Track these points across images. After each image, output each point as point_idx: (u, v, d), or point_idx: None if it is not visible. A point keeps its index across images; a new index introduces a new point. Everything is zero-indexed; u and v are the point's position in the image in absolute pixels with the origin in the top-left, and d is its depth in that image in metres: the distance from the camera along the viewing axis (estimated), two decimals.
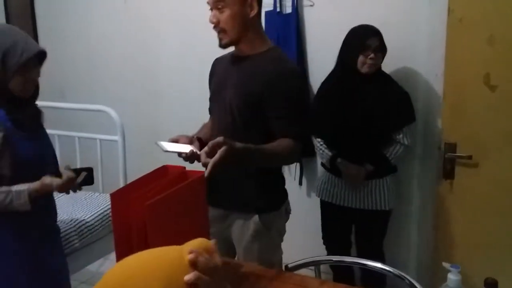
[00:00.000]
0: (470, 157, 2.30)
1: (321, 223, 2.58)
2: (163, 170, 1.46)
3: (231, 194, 1.73)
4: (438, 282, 1.25)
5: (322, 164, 2.58)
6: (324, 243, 2.58)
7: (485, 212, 2.33)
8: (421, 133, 2.57)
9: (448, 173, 2.37)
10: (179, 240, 1.33)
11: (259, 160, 1.56)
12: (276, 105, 1.60)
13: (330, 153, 2.42)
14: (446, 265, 1.19)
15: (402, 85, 2.43)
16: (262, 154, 1.54)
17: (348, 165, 2.39)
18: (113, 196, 1.24)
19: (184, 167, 1.46)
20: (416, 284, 1.54)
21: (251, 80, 1.64)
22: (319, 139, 2.48)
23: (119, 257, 1.28)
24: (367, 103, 2.36)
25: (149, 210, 1.18)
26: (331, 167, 2.44)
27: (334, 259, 1.75)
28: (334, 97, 2.42)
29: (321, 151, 2.48)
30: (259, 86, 1.61)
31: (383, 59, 2.35)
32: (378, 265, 1.68)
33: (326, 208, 2.53)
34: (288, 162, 1.96)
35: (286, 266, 1.82)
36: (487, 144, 2.29)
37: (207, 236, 1.47)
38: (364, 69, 2.31)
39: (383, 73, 2.42)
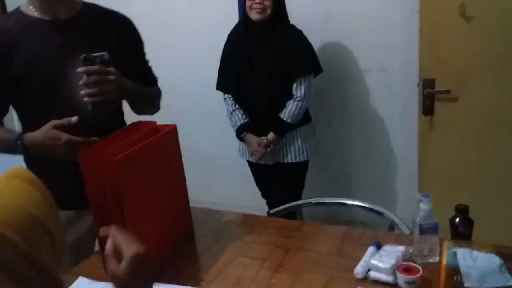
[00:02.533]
0: (448, 91, 2.30)
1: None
2: (135, 126, 1.44)
3: None
4: None
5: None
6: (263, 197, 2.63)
7: (465, 145, 2.36)
8: (400, 71, 2.55)
9: (428, 109, 2.37)
10: (155, 195, 1.35)
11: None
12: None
13: (237, 117, 2.39)
14: (417, 195, 1.21)
15: (377, 22, 2.39)
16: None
17: (250, 140, 2.36)
18: (82, 155, 1.23)
19: (155, 122, 1.45)
20: (395, 219, 1.58)
21: None
22: (227, 94, 2.43)
23: (95, 217, 1.29)
24: (264, 54, 2.28)
25: (119, 164, 1.17)
26: (237, 136, 2.44)
27: (313, 202, 1.79)
28: (234, 49, 2.37)
29: (229, 111, 2.44)
30: None
31: (277, 4, 2.23)
32: (357, 203, 1.71)
33: (252, 167, 2.54)
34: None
35: (268, 213, 1.85)
36: (465, 77, 2.28)
37: (184, 188, 1.48)
38: (253, 15, 2.22)
39: (284, 21, 2.30)
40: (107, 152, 1.22)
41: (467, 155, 2.37)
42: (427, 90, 2.33)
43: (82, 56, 1.29)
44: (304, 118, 2.38)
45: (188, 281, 1.26)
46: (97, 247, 1.44)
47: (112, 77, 1.32)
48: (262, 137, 2.33)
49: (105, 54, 1.31)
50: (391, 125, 2.63)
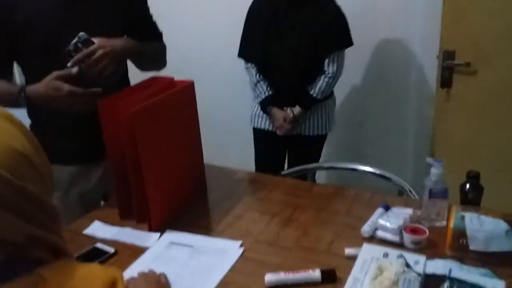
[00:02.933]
0: (468, 64, 2.27)
1: (254, 155, 2.47)
2: (152, 81, 1.46)
3: None
4: None
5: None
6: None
7: (481, 119, 2.34)
8: (418, 43, 2.51)
9: (446, 82, 2.35)
10: (170, 147, 1.38)
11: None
12: None
13: (261, 89, 2.24)
14: (429, 160, 1.22)
15: None
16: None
17: (276, 115, 2.23)
18: (102, 104, 1.26)
19: (173, 78, 1.46)
20: (404, 185, 1.60)
21: None
22: (250, 64, 2.27)
23: (111, 166, 1.32)
24: (293, 25, 2.13)
25: (135, 116, 1.20)
26: (262, 109, 2.30)
27: (325, 166, 1.81)
28: (259, 16, 2.20)
29: (252, 82, 2.28)
30: None
31: None
32: (368, 169, 1.73)
33: (259, 136, 2.40)
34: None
35: (280, 174, 1.88)
36: (486, 50, 2.24)
37: (199, 144, 1.51)
38: None
39: None
40: (125, 104, 1.24)
41: (482, 129, 2.36)
42: (446, 62, 2.30)
43: (65, 51, 1.29)
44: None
45: (199, 230, 1.30)
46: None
47: (100, 52, 1.29)
48: (288, 111, 2.23)
49: (80, 35, 1.29)
50: (406, 96, 2.61)
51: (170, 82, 1.44)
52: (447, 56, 2.30)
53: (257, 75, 2.24)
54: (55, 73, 1.31)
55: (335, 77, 2.20)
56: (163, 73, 1.59)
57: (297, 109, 2.21)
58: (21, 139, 0.67)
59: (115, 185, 1.35)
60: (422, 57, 2.52)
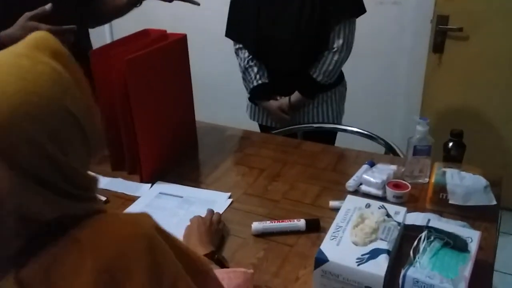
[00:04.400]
0: (461, 30, 2.28)
1: None
2: (145, 33, 1.46)
3: None
4: None
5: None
6: None
7: (471, 84, 2.37)
8: (413, 7, 2.50)
9: (438, 47, 2.36)
10: (162, 99, 1.39)
11: None
12: None
13: (249, 77, 1.85)
14: (415, 118, 1.24)
15: None
16: None
17: (269, 109, 1.86)
18: (94, 53, 1.26)
19: (165, 30, 1.46)
20: (391, 143, 1.63)
21: None
22: (240, 44, 1.87)
23: (101, 113, 1.34)
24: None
25: (128, 65, 1.20)
26: (250, 100, 1.94)
27: (315, 125, 1.82)
28: None
29: (241, 67, 1.87)
30: None
31: None
32: (356, 129, 1.76)
33: (264, 132, 1.94)
34: None
35: (265, 131, 1.90)
36: (478, 16, 2.25)
37: (190, 98, 1.52)
38: None
39: None
40: (117, 53, 1.24)
41: (470, 93, 2.40)
42: (439, 26, 2.31)
43: None
44: (339, 76, 1.86)
45: (189, 183, 1.34)
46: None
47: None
48: (283, 99, 1.84)
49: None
50: (399, 59, 2.61)
51: (163, 35, 1.44)
52: (440, 20, 2.31)
53: (247, 60, 1.84)
54: (28, 14, 1.25)
55: (341, 51, 1.75)
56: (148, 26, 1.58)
57: (295, 96, 1.81)
58: (72, 90, 0.56)
59: (107, 137, 1.37)
60: (416, 21, 2.51)
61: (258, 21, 1.77)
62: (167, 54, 1.37)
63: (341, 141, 1.92)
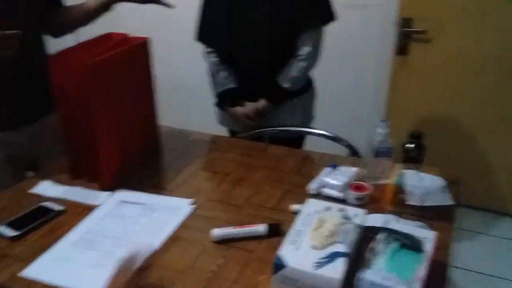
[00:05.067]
0: (425, 32, 2.32)
1: None
2: (107, 37, 1.43)
3: None
4: None
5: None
6: None
7: (433, 84, 2.42)
8: (379, 10, 2.53)
9: (403, 49, 2.40)
10: (124, 105, 1.36)
11: None
12: None
13: (218, 81, 1.85)
14: (376, 120, 1.25)
15: None
16: None
17: (235, 114, 1.85)
18: (52, 58, 1.22)
19: (128, 34, 1.43)
20: (354, 147, 1.64)
21: None
22: (210, 48, 1.87)
23: (60, 119, 1.30)
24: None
25: (88, 70, 1.17)
26: (218, 105, 1.94)
27: (281, 129, 1.82)
28: None
29: (211, 71, 1.87)
30: None
31: None
32: (322, 132, 1.76)
33: (233, 137, 1.95)
34: None
35: (235, 136, 1.89)
36: (442, 18, 2.30)
37: (153, 102, 1.50)
38: None
39: None
40: (78, 58, 1.21)
41: (434, 95, 2.45)
42: (404, 29, 2.35)
43: None
44: (306, 83, 1.87)
45: (151, 189, 1.31)
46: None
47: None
48: (249, 105, 1.83)
49: None
50: (364, 62, 2.64)
51: (125, 38, 1.41)
52: (405, 23, 2.35)
53: (217, 63, 1.83)
54: None
55: (310, 60, 1.75)
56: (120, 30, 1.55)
57: (261, 102, 1.80)
58: None
59: (65, 144, 1.34)
60: (382, 24, 2.55)
61: (229, 25, 1.77)
62: (129, 58, 1.35)
63: (309, 146, 1.93)
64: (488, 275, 2.19)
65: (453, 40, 2.31)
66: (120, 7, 1.58)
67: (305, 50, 1.74)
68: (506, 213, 2.59)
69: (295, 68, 1.76)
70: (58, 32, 1.65)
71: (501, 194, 2.56)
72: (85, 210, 1.23)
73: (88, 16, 1.59)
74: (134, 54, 1.38)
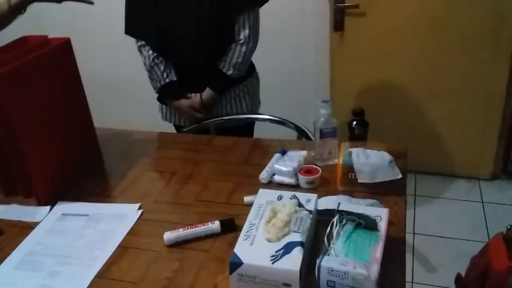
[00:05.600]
0: (357, 6, 2.34)
1: None
2: (23, 40, 1.32)
3: None
4: None
5: None
6: None
7: (372, 57, 2.46)
8: None
9: (338, 25, 2.41)
10: (51, 113, 1.26)
11: None
12: None
13: (156, 75, 1.75)
14: (317, 101, 1.24)
15: None
16: None
17: (179, 107, 1.79)
18: None
19: (47, 36, 1.33)
20: (302, 127, 1.63)
21: None
22: (141, 42, 1.77)
23: None
24: None
25: (3, 79, 1.07)
26: (159, 100, 1.88)
27: (225, 118, 1.78)
28: None
29: (146, 65, 1.77)
30: None
31: None
32: (267, 116, 1.74)
33: (180, 131, 1.87)
34: None
35: (180, 131, 1.83)
36: None
37: (85, 106, 1.41)
38: None
39: None
40: None
41: (373, 67, 2.49)
42: (337, 5, 2.35)
43: None
44: (249, 67, 1.81)
45: (96, 198, 1.24)
46: None
47: None
48: (193, 97, 1.76)
49: None
50: (304, 42, 2.63)
51: (43, 41, 1.31)
52: None
53: (151, 57, 1.74)
54: None
55: (248, 42, 1.70)
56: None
57: (206, 93, 1.74)
58: None
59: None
60: (315, 1, 2.54)
61: (158, 15, 1.68)
62: (49, 62, 1.25)
63: (258, 133, 1.90)
64: (446, 237, 2.27)
65: (385, 12, 2.34)
66: (37, 8, 1.46)
67: (245, 33, 1.69)
68: (456, 175, 2.68)
69: (237, 54, 1.70)
70: None
71: (450, 157, 2.65)
72: (24, 229, 1.15)
73: (1, 20, 1.46)
74: (55, 56, 1.28)
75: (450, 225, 2.33)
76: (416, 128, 2.57)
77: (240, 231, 1.02)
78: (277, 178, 1.22)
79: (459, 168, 2.67)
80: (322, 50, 2.55)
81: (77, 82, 1.36)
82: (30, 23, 1.65)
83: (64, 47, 1.31)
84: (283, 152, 1.31)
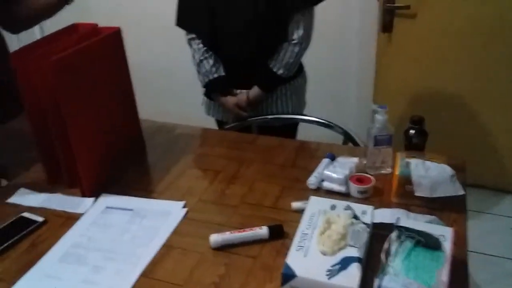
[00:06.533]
0: (408, 7, 2.25)
1: None
2: (73, 28, 1.30)
3: None
4: None
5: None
6: None
7: (422, 61, 2.36)
8: None
9: (387, 26, 2.32)
10: (98, 103, 1.25)
11: None
12: None
13: (205, 69, 1.72)
14: (373, 106, 1.18)
15: None
16: None
17: (225, 104, 1.75)
18: (15, 55, 1.10)
19: (96, 24, 1.31)
20: (350, 132, 1.58)
21: None
22: (192, 35, 1.74)
23: (30, 122, 1.19)
24: None
25: (55, 67, 1.06)
26: (206, 95, 1.85)
27: (269, 117, 1.73)
28: None
29: (195, 59, 1.74)
30: None
31: None
32: (314, 118, 1.69)
33: (222, 127, 1.87)
34: None
35: (222, 127, 1.80)
36: None
37: (132, 97, 1.39)
38: None
39: None
40: (42, 54, 1.09)
41: (423, 73, 2.39)
42: (387, 5, 2.27)
43: None
44: (298, 67, 1.76)
45: (140, 192, 1.22)
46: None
47: None
48: (240, 94, 1.73)
49: None
50: (348, 41, 2.56)
51: (94, 29, 1.29)
52: None
53: (201, 51, 1.71)
54: None
55: (303, 43, 1.66)
56: (90, 20, 1.43)
57: (254, 90, 1.71)
58: None
59: (38, 148, 1.22)
60: (363, 0, 2.46)
61: (210, 9, 1.65)
62: (99, 52, 1.23)
63: (300, 133, 1.85)
64: (490, 255, 2.15)
65: (438, 14, 2.24)
66: None
67: (299, 33, 1.64)
68: (502, 190, 2.54)
69: (289, 54, 1.66)
70: (16, 27, 1.51)
71: (505, 172, 2.52)
72: (67, 220, 1.14)
73: (49, 8, 1.45)
74: (105, 46, 1.26)
75: (497, 243, 2.22)
76: (466, 138, 2.45)
77: (288, 238, 0.99)
78: (326, 184, 1.17)
79: (508, 183, 2.53)
80: (367, 51, 2.48)
81: (125, 73, 1.34)
82: (77, 11, 1.64)
83: (114, 37, 1.29)
84: (332, 157, 1.26)
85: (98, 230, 1.10)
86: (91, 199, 1.20)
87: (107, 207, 1.18)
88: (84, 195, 1.21)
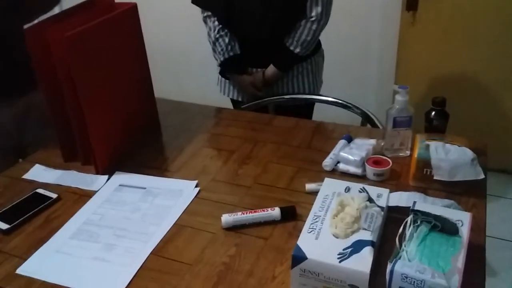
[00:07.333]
0: None
1: None
2: (90, 3, 1.29)
3: None
4: None
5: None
6: None
7: (447, 41, 2.28)
8: None
9: (411, 4, 2.25)
10: (114, 79, 1.24)
11: None
12: None
13: (220, 48, 1.68)
14: (394, 87, 1.14)
15: None
16: None
17: (241, 83, 1.73)
18: (28, 30, 1.10)
19: (113, 0, 1.29)
20: (368, 113, 1.54)
21: None
22: (208, 12, 1.71)
23: (44, 97, 1.18)
24: None
25: (69, 43, 1.05)
26: (221, 74, 1.82)
27: (286, 97, 1.70)
28: None
29: (211, 38, 1.71)
30: None
31: None
32: (331, 98, 1.65)
33: (237, 106, 1.86)
34: None
35: (237, 106, 1.78)
36: None
37: (147, 74, 1.38)
38: None
39: None
40: (57, 29, 1.08)
41: (447, 54, 2.31)
42: None
43: None
44: (316, 44, 1.72)
45: (153, 171, 1.21)
46: None
47: None
48: (256, 73, 1.71)
49: None
50: (370, 19, 2.49)
51: (110, 5, 1.28)
52: None
53: (216, 29, 1.67)
54: None
55: (320, 20, 1.61)
56: None
57: (270, 69, 1.68)
58: None
59: (54, 124, 1.22)
60: None
61: None
62: (115, 27, 1.21)
63: (317, 113, 1.81)
64: (509, 240, 2.11)
65: None
66: None
67: (317, 10, 1.59)
68: None
69: (306, 31, 1.61)
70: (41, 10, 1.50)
71: None
72: (81, 197, 1.14)
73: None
74: (121, 22, 1.25)
75: None
76: (490, 122, 2.38)
77: (301, 220, 0.97)
78: (342, 166, 1.14)
79: None
80: (389, 29, 2.40)
81: (141, 50, 1.33)
82: None
83: (131, 13, 1.27)
84: (349, 139, 1.23)
85: (110, 207, 1.10)
86: (105, 177, 1.20)
87: (120, 185, 1.17)
88: (98, 172, 1.21)
